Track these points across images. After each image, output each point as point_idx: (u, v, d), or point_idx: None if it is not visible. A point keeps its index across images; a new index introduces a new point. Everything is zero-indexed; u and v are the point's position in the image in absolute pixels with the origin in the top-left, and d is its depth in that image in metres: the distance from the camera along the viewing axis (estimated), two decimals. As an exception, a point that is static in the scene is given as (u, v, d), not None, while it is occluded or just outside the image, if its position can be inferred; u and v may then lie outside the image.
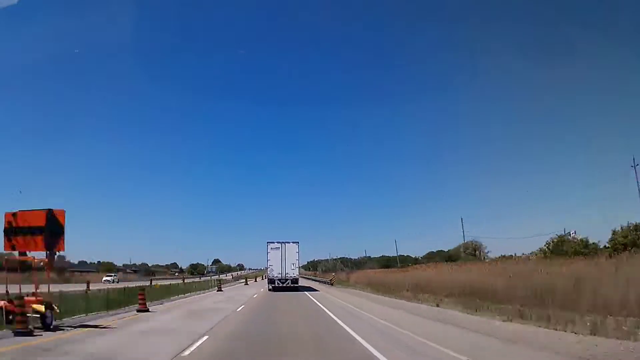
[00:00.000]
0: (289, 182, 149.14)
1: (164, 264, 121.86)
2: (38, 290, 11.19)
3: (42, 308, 10.46)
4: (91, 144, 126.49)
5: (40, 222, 11.11)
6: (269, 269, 34.07)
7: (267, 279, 36.63)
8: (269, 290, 32.83)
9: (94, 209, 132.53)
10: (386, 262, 75.86)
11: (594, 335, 8.32)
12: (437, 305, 16.78)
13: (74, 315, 13.59)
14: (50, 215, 11.25)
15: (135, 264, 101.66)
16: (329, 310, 16.59)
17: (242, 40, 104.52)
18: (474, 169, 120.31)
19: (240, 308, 18.44)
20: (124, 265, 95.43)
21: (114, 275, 62.18)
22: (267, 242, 33.53)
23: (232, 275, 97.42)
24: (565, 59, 71.16)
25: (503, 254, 38.96)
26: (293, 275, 33.10)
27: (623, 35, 64.70)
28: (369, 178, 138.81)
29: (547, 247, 33.71)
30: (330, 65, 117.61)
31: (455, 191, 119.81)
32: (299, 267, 36.08)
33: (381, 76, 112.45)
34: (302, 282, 40.01)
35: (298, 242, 33.64)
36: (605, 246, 28.41)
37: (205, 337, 9.58)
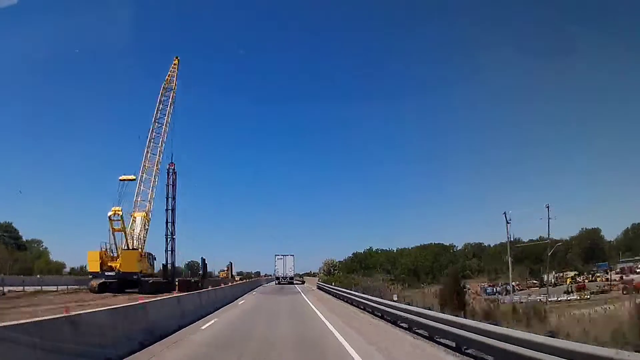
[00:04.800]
0: (295, 186, 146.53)
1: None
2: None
3: None
4: (90, 144, 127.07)
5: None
6: (275, 271, 57.74)
7: (274, 278, 60.25)
8: (275, 284, 56.12)
9: (94, 209, 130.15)
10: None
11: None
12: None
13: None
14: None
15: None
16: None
17: (242, 40, 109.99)
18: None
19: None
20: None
21: None
22: (275, 255, 57.35)
23: None
24: (566, 58, 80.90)
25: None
26: (290, 275, 56.67)
27: (624, 35, 73.15)
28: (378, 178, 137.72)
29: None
30: (330, 66, 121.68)
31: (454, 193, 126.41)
32: (294, 270, 59.81)
33: (380, 75, 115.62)
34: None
35: (294, 255, 57.58)
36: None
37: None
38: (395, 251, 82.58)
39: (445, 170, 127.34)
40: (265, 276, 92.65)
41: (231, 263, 62.40)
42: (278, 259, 57.09)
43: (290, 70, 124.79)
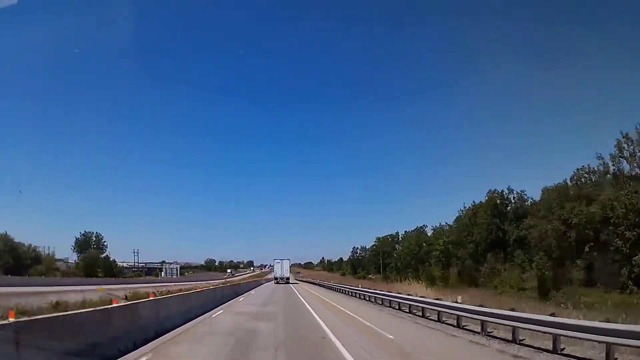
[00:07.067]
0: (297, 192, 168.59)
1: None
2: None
3: None
4: (90, 144, 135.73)
5: None
6: (274, 272, 68.13)
7: (273, 278, 70.48)
8: (274, 283, 66.15)
9: (94, 209, 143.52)
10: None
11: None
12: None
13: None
14: None
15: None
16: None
17: (242, 41, 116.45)
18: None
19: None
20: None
21: None
22: (274, 259, 67.68)
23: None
24: (566, 59, 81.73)
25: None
26: (287, 276, 67.03)
27: (624, 35, 72.23)
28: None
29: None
30: (329, 66, 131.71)
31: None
32: (290, 272, 70.06)
33: (380, 75, 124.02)
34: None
35: (289, 259, 68.03)
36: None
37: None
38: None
39: (444, 165, 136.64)
40: (260, 268, 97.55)
41: None
42: (276, 262, 67.32)
43: (288, 71, 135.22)
